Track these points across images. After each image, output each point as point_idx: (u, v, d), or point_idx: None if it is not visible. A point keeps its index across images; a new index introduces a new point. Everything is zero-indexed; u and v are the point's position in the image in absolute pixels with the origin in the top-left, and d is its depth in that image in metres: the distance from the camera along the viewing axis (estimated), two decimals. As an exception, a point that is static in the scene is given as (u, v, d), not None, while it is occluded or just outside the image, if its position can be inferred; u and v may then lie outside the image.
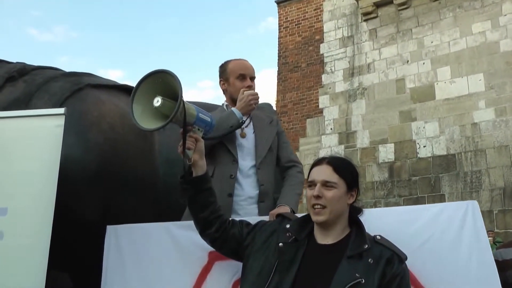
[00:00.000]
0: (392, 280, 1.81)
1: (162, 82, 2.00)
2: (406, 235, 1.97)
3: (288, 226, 2.03)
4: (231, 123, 2.61)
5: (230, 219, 2.18)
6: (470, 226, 2.17)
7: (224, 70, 2.86)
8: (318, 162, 2.03)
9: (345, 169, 1.99)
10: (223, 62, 2.90)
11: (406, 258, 1.88)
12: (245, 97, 2.70)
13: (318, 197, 1.92)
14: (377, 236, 1.93)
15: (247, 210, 2.58)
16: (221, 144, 2.68)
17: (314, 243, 1.96)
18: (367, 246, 1.86)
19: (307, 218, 2.00)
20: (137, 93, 2.04)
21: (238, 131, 2.75)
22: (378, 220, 2.00)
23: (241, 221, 2.18)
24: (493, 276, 2.09)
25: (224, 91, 2.88)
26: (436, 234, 2.17)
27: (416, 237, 2.09)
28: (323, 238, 1.95)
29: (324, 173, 1.96)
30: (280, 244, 1.96)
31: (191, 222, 2.45)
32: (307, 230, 2.00)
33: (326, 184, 1.93)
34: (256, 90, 2.80)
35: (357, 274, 1.79)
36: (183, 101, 1.95)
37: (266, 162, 2.76)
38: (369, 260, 1.83)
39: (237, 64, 2.86)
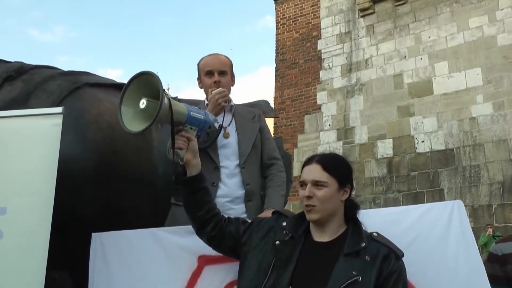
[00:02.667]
0: (389, 277, 1.81)
1: (147, 84, 1.98)
2: (393, 235, 1.98)
3: (284, 224, 2.03)
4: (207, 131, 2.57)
5: (226, 217, 2.17)
6: (456, 224, 2.19)
7: (197, 69, 2.84)
8: (308, 161, 2.03)
9: (335, 166, 1.99)
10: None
11: (403, 255, 1.89)
12: (213, 97, 2.65)
13: (309, 197, 1.93)
14: (374, 233, 1.94)
15: (235, 211, 2.54)
16: (203, 150, 2.64)
17: (311, 241, 1.97)
18: (364, 244, 1.87)
19: (303, 215, 2.01)
20: (125, 97, 2.03)
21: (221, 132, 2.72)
22: (365, 221, 2.00)
23: (237, 219, 2.18)
24: (480, 273, 2.10)
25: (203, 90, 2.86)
26: (422, 234, 2.19)
27: (403, 237, 2.10)
28: (320, 235, 1.96)
29: (314, 172, 1.96)
30: (277, 242, 1.97)
31: (178, 228, 2.45)
32: (304, 227, 2.01)
33: (316, 184, 1.93)
34: (223, 85, 2.74)
35: (354, 272, 1.79)
36: (169, 100, 1.95)
37: (251, 161, 2.72)
38: (366, 257, 1.84)
39: (205, 61, 2.82)
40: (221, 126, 2.61)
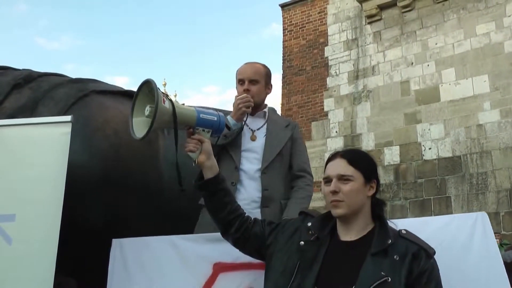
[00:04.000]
0: (420, 276, 1.74)
1: (150, 92, 2.00)
2: None
3: (309, 224, 1.97)
4: (224, 132, 2.61)
5: (253, 218, 2.14)
6: (479, 236, 2.15)
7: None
8: (332, 157, 1.98)
9: (360, 160, 1.94)
10: None
11: (434, 253, 1.81)
12: (235, 102, 2.71)
13: (335, 192, 1.87)
14: (403, 231, 1.87)
15: (250, 215, 2.57)
16: (225, 150, 2.69)
17: (337, 240, 1.91)
18: (390, 241, 1.80)
19: (329, 214, 1.95)
20: (135, 108, 2.06)
21: (248, 134, 2.77)
22: None
23: (263, 220, 2.15)
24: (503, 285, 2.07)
25: None
26: (444, 243, 2.13)
27: None
28: (346, 234, 1.90)
29: (339, 166, 1.90)
30: (301, 242, 1.92)
31: (197, 235, 2.49)
32: (330, 227, 1.95)
33: (342, 178, 1.88)
34: (253, 93, 2.77)
35: (382, 273, 1.72)
36: (172, 103, 1.97)
37: (274, 167, 2.73)
38: (395, 256, 1.76)
39: (239, 69, 2.88)
40: (240, 128, 2.68)
